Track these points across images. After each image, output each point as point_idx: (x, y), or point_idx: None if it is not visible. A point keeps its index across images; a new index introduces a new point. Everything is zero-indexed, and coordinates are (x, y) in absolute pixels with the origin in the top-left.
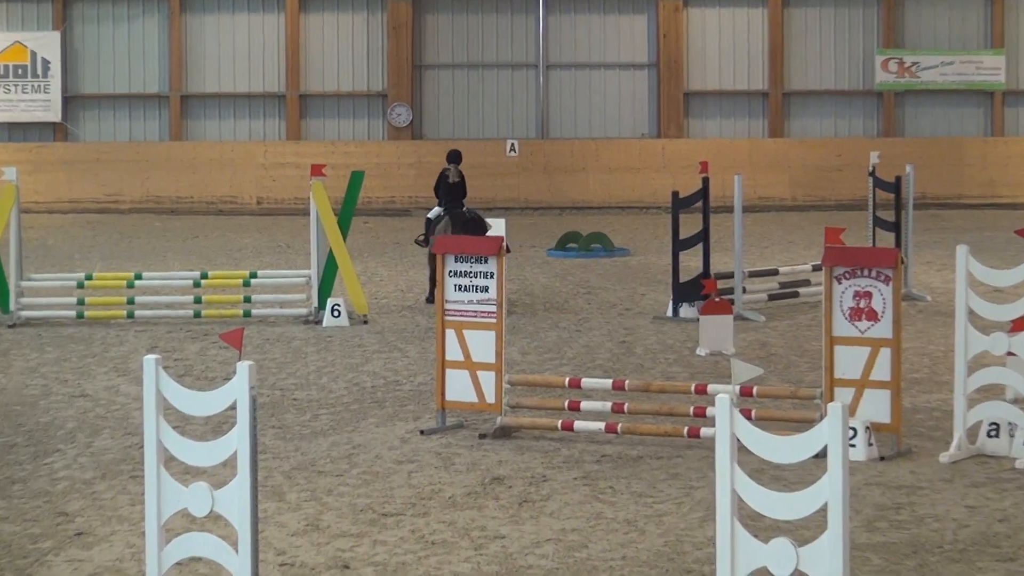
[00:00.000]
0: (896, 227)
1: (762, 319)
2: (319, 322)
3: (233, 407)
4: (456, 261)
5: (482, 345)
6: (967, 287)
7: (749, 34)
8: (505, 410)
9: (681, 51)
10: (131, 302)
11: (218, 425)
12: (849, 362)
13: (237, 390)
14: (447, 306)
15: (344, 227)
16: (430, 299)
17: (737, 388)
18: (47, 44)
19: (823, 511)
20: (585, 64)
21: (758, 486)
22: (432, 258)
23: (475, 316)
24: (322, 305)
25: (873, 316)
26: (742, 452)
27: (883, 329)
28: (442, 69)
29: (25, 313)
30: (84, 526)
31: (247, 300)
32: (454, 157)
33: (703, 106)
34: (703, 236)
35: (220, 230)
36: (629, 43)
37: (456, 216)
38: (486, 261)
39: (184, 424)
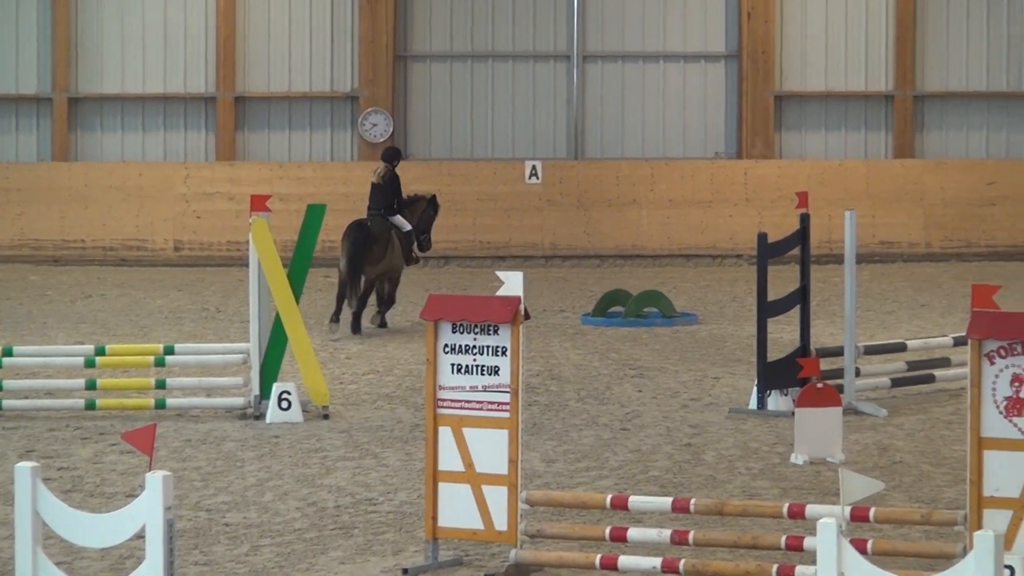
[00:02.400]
0: None
1: (883, 413)
2: (261, 416)
3: (141, 535)
4: (454, 331)
5: (490, 449)
6: None
7: (868, 15)
8: (522, 541)
9: (773, 38)
10: None
11: (119, 561)
12: (1004, 473)
13: (146, 512)
14: (441, 394)
15: (297, 283)
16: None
17: (848, 510)
18: None
19: None
20: (636, 54)
21: None
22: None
23: (480, 408)
24: (265, 394)
25: None
26: None
27: None
28: (436, 61)
29: None
30: None
31: (160, 385)
32: (389, 155)
33: (802, 114)
34: (801, 296)
35: (123, 287)
36: (700, 26)
37: (350, 228)
38: (496, 331)
39: (72, 559)
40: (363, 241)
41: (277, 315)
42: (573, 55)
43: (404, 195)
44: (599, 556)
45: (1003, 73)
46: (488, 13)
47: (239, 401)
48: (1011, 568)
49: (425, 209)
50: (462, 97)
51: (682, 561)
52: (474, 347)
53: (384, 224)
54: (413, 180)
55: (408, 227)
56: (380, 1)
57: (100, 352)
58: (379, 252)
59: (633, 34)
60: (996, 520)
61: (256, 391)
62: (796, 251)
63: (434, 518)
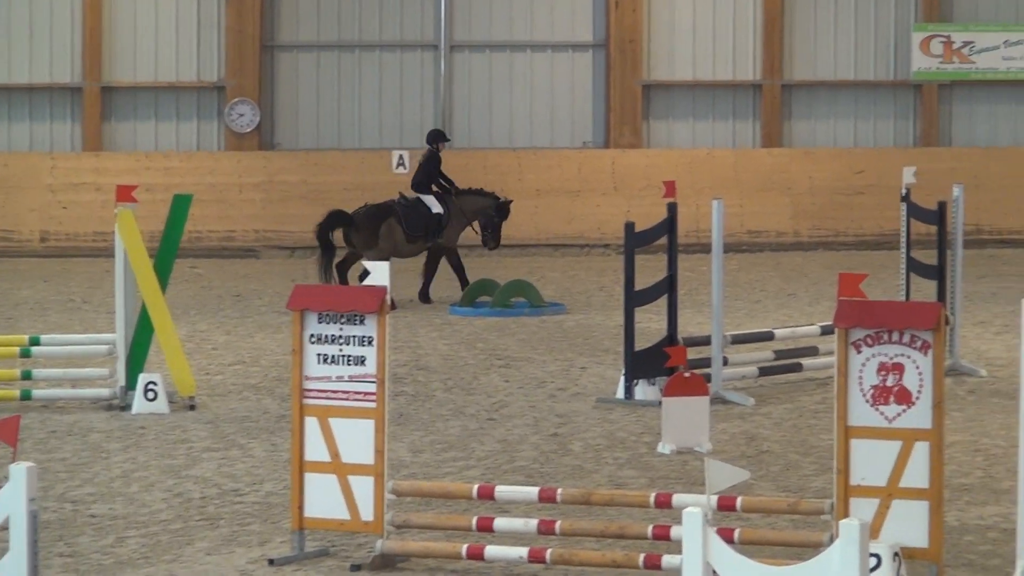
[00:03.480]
0: (939, 273)
1: (751, 402)
2: (127, 407)
3: (4, 527)
4: (320, 322)
5: (356, 440)
6: None
7: (736, 4)
8: (388, 531)
9: (640, 27)
10: None
11: None
12: (872, 463)
13: (10, 503)
14: (307, 385)
15: (164, 274)
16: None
17: (714, 499)
18: None
19: None
20: (504, 44)
21: None
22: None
23: (347, 399)
24: (131, 384)
25: (905, 398)
26: None
27: (919, 416)
28: (303, 51)
29: None
30: None
31: (26, 376)
32: (430, 137)
33: (670, 103)
34: (669, 286)
35: None
36: (567, 15)
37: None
38: (362, 321)
39: None
40: (326, 227)
41: (143, 306)
42: (440, 45)
43: (456, 182)
44: (466, 546)
45: (871, 62)
46: (355, 3)
47: (105, 392)
48: (877, 556)
49: (487, 207)
50: (329, 87)
51: (549, 551)
52: (340, 337)
53: (375, 212)
54: (280, 171)
55: (437, 209)
56: None
57: None
58: (363, 238)
59: (500, 23)
60: (863, 509)
61: (122, 382)
62: (664, 240)
63: (300, 508)
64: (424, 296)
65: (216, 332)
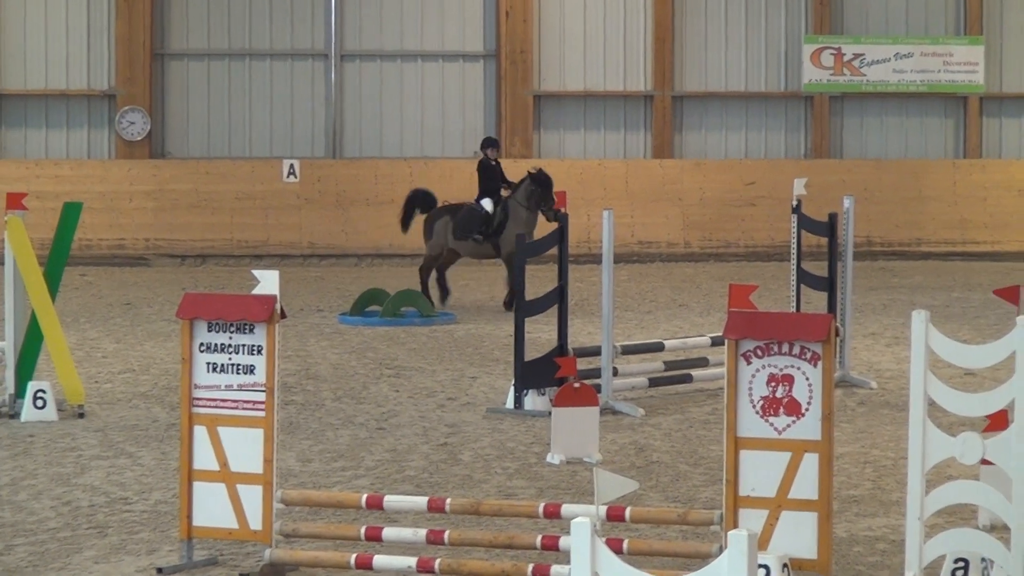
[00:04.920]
0: (829, 285)
1: (640, 413)
2: (16, 415)
3: None
4: (210, 330)
5: (245, 449)
6: (927, 369)
7: (627, 16)
8: (277, 540)
9: (531, 37)
10: None
11: None
12: (760, 473)
13: None
14: (196, 393)
15: (54, 281)
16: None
17: (603, 510)
18: None
19: None
20: (395, 53)
21: None
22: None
23: (235, 408)
24: (21, 393)
25: (795, 409)
26: None
27: (808, 427)
28: (193, 59)
29: None
30: None
31: None
32: (482, 144)
33: (561, 113)
34: (559, 296)
35: None
36: (458, 25)
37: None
38: (252, 330)
39: None
40: (409, 205)
41: (33, 314)
42: (331, 54)
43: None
44: (354, 555)
45: (761, 74)
46: (246, 12)
47: None
48: (766, 567)
49: (530, 187)
50: (220, 96)
51: (437, 560)
52: (230, 346)
53: (440, 209)
54: (170, 179)
55: (488, 208)
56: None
57: None
58: (425, 229)
59: (391, 33)
60: (752, 520)
61: (11, 390)
62: (554, 251)
63: (189, 517)
64: (508, 304)
65: (106, 340)
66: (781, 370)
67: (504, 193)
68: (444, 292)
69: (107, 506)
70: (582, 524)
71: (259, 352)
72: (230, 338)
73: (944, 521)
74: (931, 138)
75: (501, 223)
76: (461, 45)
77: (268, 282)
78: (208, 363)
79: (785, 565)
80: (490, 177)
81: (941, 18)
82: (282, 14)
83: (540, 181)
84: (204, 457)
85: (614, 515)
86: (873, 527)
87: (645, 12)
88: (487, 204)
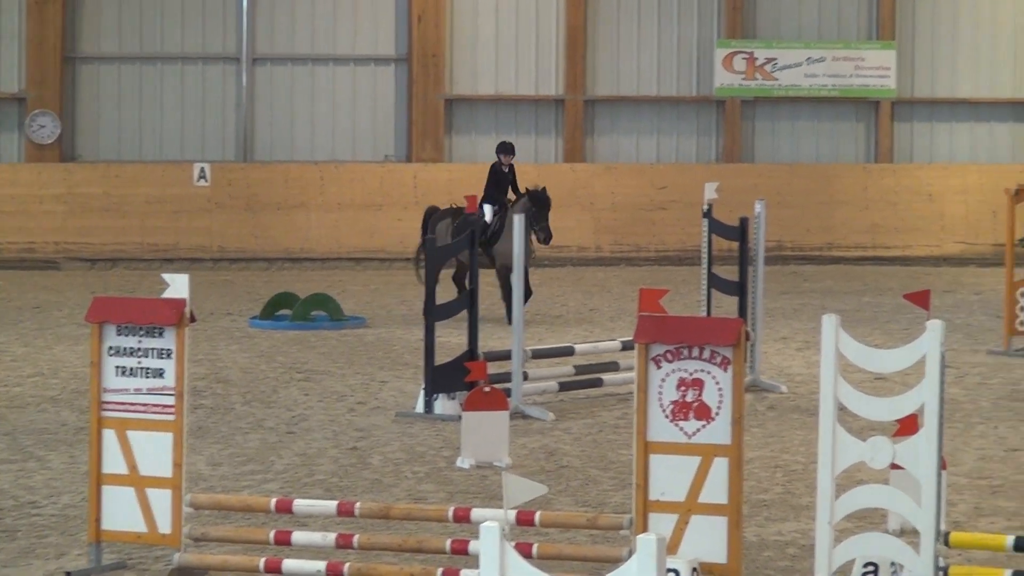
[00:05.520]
0: (740, 289)
1: (550, 417)
2: None
3: None
4: (119, 334)
5: (154, 452)
6: (837, 373)
7: (539, 19)
8: (186, 544)
9: (443, 41)
10: None
11: None
12: (670, 478)
13: None
14: (105, 397)
15: None
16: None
17: (512, 514)
18: None
19: None
20: (306, 57)
21: None
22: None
23: (144, 411)
24: None
25: (705, 413)
26: None
27: (718, 432)
28: (104, 63)
29: None
30: None
31: None
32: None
33: (472, 118)
34: (470, 301)
35: None
36: (370, 29)
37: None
38: (161, 334)
39: None
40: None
41: None
42: (242, 58)
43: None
44: (263, 559)
45: (673, 78)
46: (157, 15)
47: None
48: (676, 572)
49: (526, 203)
50: (131, 99)
51: (347, 565)
52: (139, 350)
53: (442, 213)
54: (81, 182)
55: (487, 218)
56: (48, 2)
57: None
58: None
59: (302, 37)
60: (661, 524)
61: None
62: (467, 254)
63: (97, 521)
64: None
65: (15, 344)
66: (691, 374)
67: (512, 197)
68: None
69: (15, 510)
70: (491, 528)
71: (168, 356)
72: (139, 342)
73: (854, 525)
74: (843, 143)
75: (496, 233)
76: (373, 49)
77: (178, 286)
78: (117, 367)
79: (695, 569)
80: (498, 183)
81: (853, 23)
82: (194, 18)
83: (537, 200)
84: (113, 461)
85: (524, 519)
86: (783, 531)
87: (557, 16)
88: (487, 211)
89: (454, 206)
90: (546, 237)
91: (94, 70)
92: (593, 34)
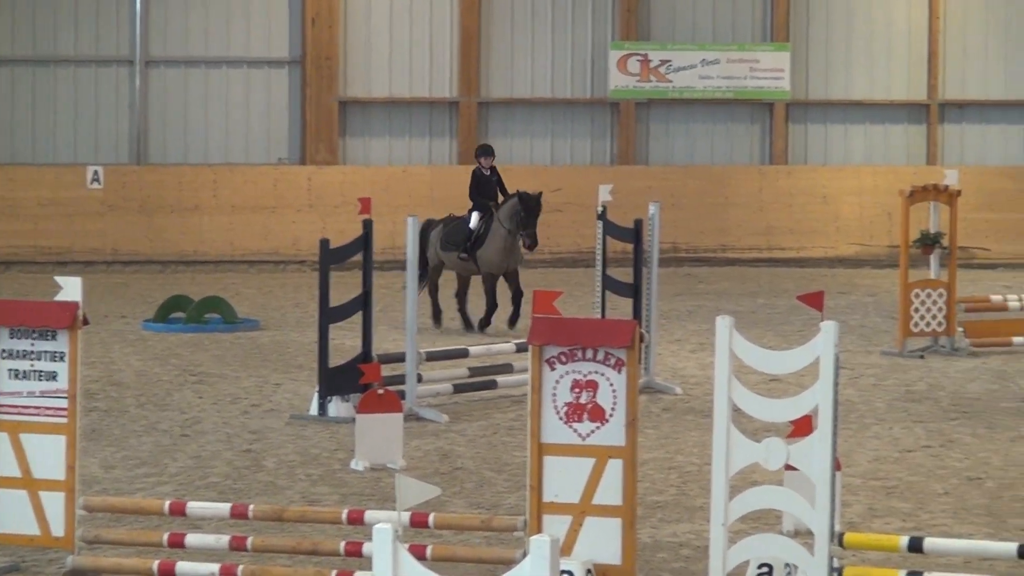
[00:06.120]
0: (635, 291)
1: (444, 419)
2: None
3: None
4: (12, 337)
5: (47, 455)
6: (731, 375)
7: (432, 22)
8: (80, 547)
9: (337, 44)
10: None
11: None
12: (564, 479)
13: None
14: None
15: None
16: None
17: (406, 516)
18: None
19: None
20: (199, 60)
21: None
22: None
23: (37, 414)
24: None
25: (599, 415)
26: None
27: (612, 433)
28: None
29: None
30: None
31: None
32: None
33: (366, 120)
34: (363, 302)
35: None
36: (263, 32)
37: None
38: (54, 337)
39: None
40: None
41: None
42: (136, 60)
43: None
44: (157, 562)
45: (568, 80)
46: (50, 18)
47: None
48: (570, 573)
49: (515, 206)
50: (24, 101)
51: (240, 567)
52: (32, 352)
53: (431, 222)
54: None
55: (472, 223)
56: None
57: None
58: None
59: (196, 39)
60: (556, 526)
61: None
62: (359, 257)
63: None
64: (482, 323)
65: None
66: (585, 376)
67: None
68: (436, 310)
69: None
70: (384, 530)
71: (61, 359)
72: (32, 344)
73: (748, 527)
74: (737, 144)
75: (479, 239)
76: (266, 51)
77: (71, 289)
78: (10, 370)
79: (589, 571)
80: (480, 188)
81: (748, 25)
82: (87, 21)
83: (527, 204)
84: (6, 464)
85: (418, 521)
86: (677, 533)
87: (451, 19)
88: (474, 219)
89: (453, 216)
90: (532, 243)
91: None
92: (487, 37)
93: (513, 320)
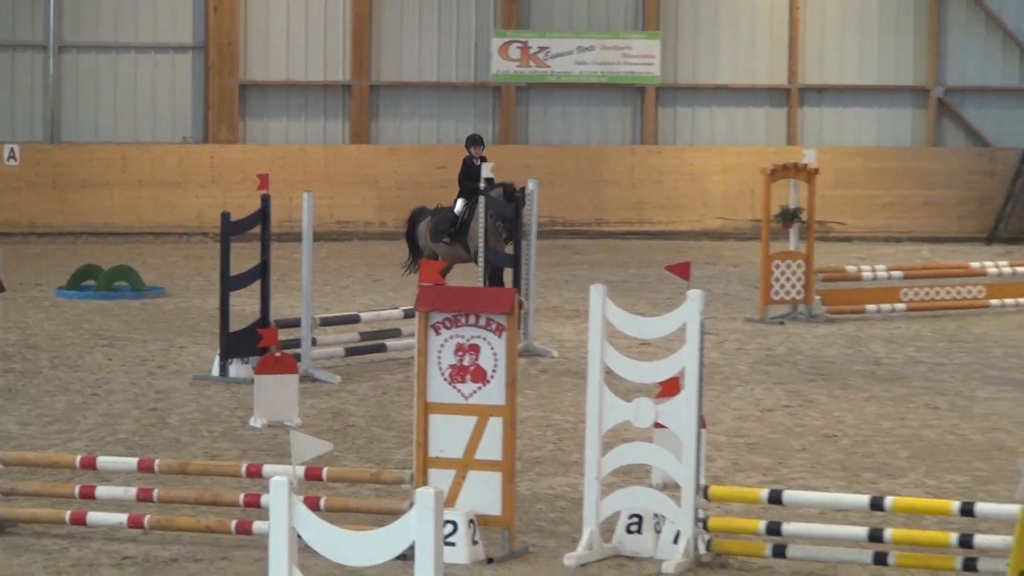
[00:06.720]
0: (515, 261)
1: (337, 380)
2: None
3: None
4: None
5: None
6: (604, 339)
7: (327, 10)
8: None
9: (237, 30)
10: None
11: None
12: (448, 436)
13: None
14: None
15: None
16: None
17: (301, 470)
18: None
19: None
20: (109, 45)
21: None
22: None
23: None
24: None
25: (480, 376)
26: (306, 553)
27: (493, 394)
28: None
29: None
30: None
31: None
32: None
33: (264, 102)
34: (262, 271)
35: None
36: (168, 18)
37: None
38: None
39: None
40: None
41: None
42: (49, 46)
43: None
44: (69, 512)
45: (453, 65)
46: None
47: None
48: (454, 523)
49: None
50: None
51: (147, 517)
52: None
53: (422, 211)
54: None
55: (457, 210)
56: None
57: None
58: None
59: (106, 26)
60: (440, 479)
61: None
62: (258, 229)
63: None
64: None
65: None
66: (468, 340)
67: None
68: None
69: None
70: (280, 483)
71: None
72: None
73: (620, 480)
74: (611, 126)
75: (465, 224)
76: (172, 37)
77: None
78: None
79: (471, 521)
80: (469, 176)
81: (621, 14)
82: (4, 7)
83: (508, 196)
84: None
85: (312, 475)
86: (554, 486)
87: (344, 6)
88: (459, 205)
89: (440, 206)
90: (509, 236)
91: None
92: (378, 23)
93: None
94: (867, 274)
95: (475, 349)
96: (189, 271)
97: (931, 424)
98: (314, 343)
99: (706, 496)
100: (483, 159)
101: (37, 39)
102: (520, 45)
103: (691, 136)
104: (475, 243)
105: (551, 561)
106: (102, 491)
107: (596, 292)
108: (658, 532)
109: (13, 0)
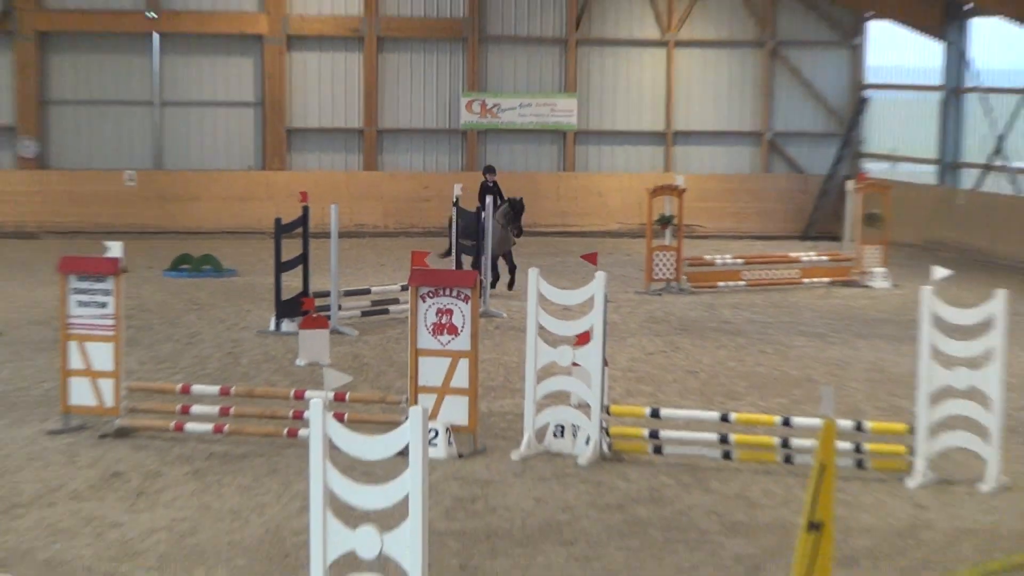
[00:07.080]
0: (477, 252)
1: (355, 333)
2: None
3: None
4: (79, 280)
5: (102, 355)
6: (538, 305)
7: (346, 76)
8: (123, 413)
9: (284, 91)
10: None
11: None
12: (432, 371)
13: None
14: (70, 320)
15: None
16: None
17: (331, 394)
18: None
19: (406, 502)
20: (197, 102)
21: (347, 480)
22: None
23: (95, 329)
24: None
25: (454, 331)
26: (334, 451)
27: (462, 342)
28: (67, 105)
29: None
30: None
31: None
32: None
33: (304, 142)
34: (303, 259)
35: None
36: (237, 83)
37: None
38: (105, 280)
39: None
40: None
41: None
42: (155, 101)
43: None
44: (173, 422)
45: (434, 116)
46: (99, 73)
47: None
48: (435, 431)
49: (507, 209)
50: (85, 128)
51: (227, 426)
52: (91, 289)
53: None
54: (54, 181)
55: (481, 218)
56: (29, 66)
57: None
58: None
59: (195, 88)
60: (427, 400)
61: None
62: (300, 230)
63: (66, 399)
64: (510, 286)
65: (11, 286)
66: (445, 306)
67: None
68: (495, 276)
69: (15, 392)
70: (317, 403)
71: (109, 294)
72: (91, 285)
73: (549, 402)
74: (543, 159)
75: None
76: (240, 96)
77: (115, 249)
78: (77, 301)
79: (447, 429)
80: (482, 194)
81: (550, 80)
82: (121, 76)
83: (515, 207)
84: (76, 361)
85: (339, 397)
86: (504, 406)
87: (359, 74)
88: (480, 215)
89: (459, 207)
90: (518, 233)
91: (60, 109)
92: (382, 86)
93: (511, 284)
94: (719, 261)
95: (450, 312)
96: (253, 259)
97: (762, 364)
98: (340, 308)
99: (608, 412)
100: (495, 182)
101: (145, 97)
102: (480, 102)
103: (599, 165)
104: (490, 246)
105: (502, 456)
106: (195, 409)
107: (533, 273)
108: (575, 436)
109: (128, 69)
